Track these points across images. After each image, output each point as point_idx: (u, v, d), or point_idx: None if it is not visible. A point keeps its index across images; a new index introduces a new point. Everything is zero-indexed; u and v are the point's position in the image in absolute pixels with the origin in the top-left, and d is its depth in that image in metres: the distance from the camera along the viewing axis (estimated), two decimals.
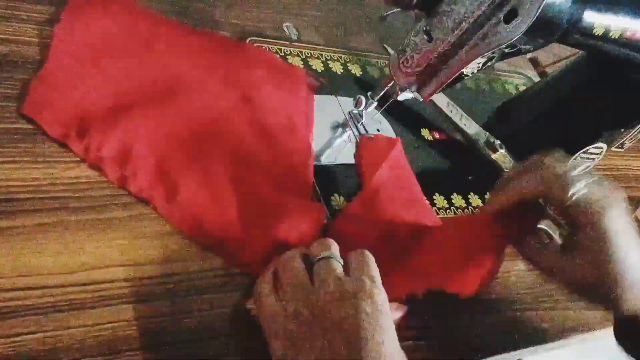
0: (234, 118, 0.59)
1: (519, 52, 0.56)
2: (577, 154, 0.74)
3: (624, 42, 0.60)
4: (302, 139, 0.62)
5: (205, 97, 0.59)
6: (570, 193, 0.47)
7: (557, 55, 0.99)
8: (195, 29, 0.66)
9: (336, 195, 0.61)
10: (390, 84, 0.60)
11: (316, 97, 0.68)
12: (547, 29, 0.54)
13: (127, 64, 0.57)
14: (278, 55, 0.70)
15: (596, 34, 0.58)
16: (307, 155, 0.61)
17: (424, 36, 0.53)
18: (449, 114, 0.75)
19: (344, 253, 0.48)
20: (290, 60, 0.71)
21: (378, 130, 0.69)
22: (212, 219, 0.52)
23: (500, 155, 0.74)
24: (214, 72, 0.62)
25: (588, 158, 0.75)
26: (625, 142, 0.76)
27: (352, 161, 0.64)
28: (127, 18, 0.61)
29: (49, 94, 0.52)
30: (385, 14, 0.54)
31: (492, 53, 0.53)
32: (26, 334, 0.42)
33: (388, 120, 0.71)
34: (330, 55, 0.75)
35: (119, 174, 0.51)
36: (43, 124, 0.50)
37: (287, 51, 0.72)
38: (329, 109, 0.68)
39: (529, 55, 0.99)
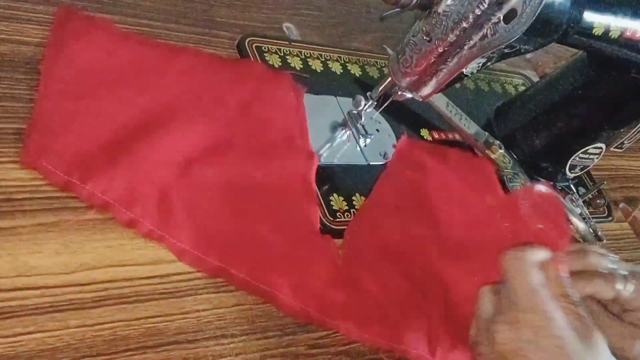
0: (231, 143, 0.58)
1: (519, 52, 0.56)
2: (577, 154, 0.74)
3: (623, 42, 0.60)
4: (300, 151, 0.61)
5: (200, 123, 0.58)
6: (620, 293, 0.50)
7: (556, 56, 0.99)
8: (180, 47, 0.64)
9: (335, 195, 0.61)
10: (390, 84, 0.59)
11: (315, 97, 0.68)
12: (546, 29, 0.54)
13: (117, 95, 0.55)
14: (277, 56, 0.70)
15: (596, 34, 0.58)
16: (309, 172, 0.60)
17: (424, 36, 0.53)
18: (449, 114, 0.75)
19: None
20: (289, 61, 0.71)
21: (377, 130, 0.69)
22: (221, 257, 0.51)
23: (500, 155, 0.74)
24: (205, 94, 0.60)
25: (587, 158, 0.76)
26: (625, 142, 0.76)
27: (351, 161, 0.65)
28: (112, 46, 0.59)
29: (45, 140, 0.50)
30: (385, 14, 0.54)
31: (492, 53, 0.53)
32: (26, 334, 0.42)
33: (387, 121, 0.71)
34: (329, 56, 0.75)
35: (127, 217, 0.49)
36: (43, 173, 0.49)
37: (286, 51, 0.72)
38: (328, 109, 0.68)
39: (528, 56, 0.99)
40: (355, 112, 0.63)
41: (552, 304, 0.43)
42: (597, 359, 0.41)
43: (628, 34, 0.59)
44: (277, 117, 0.62)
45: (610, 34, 0.58)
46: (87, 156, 0.50)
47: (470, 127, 0.75)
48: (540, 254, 0.46)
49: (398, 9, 0.51)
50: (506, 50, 0.53)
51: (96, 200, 0.49)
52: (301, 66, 0.71)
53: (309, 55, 0.73)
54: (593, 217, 0.78)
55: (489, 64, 0.56)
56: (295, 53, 0.72)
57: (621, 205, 0.86)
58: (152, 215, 0.50)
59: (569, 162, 0.75)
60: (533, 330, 0.41)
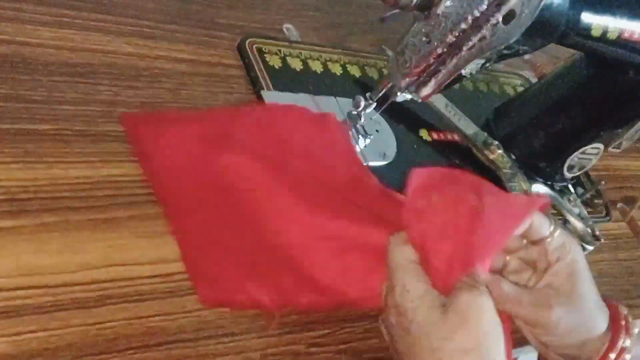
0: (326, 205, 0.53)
1: (517, 53, 0.56)
2: (575, 154, 0.74)
3: (621, 42, 0.60)
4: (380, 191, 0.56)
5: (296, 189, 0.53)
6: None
7: (554, 57, 0.99)
8: (234, 112, 0.60)
9: None
10: (389, 85, 0.60)
11: (315, 98, 0.68)
12: (545, 30, 0.55)
13: (223, 193, 0.52)
14: (278, 57, 0.70)
15: (594, 35, 0.58)
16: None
17: (423, 37, 0.53)
18: (448, 115, 0.76)
19: None
20: (289, 62, 0.71)
21: (377, 131, 0.69)
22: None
23: (499, 156, 0.74)
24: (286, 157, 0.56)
25: (585, 158, 0.76)
26: (623, 142, 0.76)
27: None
28: (189, 143, 0.55)
29: (208, 273, 0.49)
30: (385, 15, 0.54)
31: (491, 54, 0.53)
32: (27, 332, 0.42)
33: (387, 121, 0.71)
34: (329, 57, 0.76)
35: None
36: (227, 305, 0.49)
37: (286, 52, 0.72)
38: (327, 109, 0.68)
39: (526, 56, 0.99)
40: (355, 112, 0.63)
41: (410, 275, 0.42)
42: (464, 322, 0.40)
43: (626, 34, 0.59)
44: (337, 165, 0.58)
45: (608, 35, 0.59)
46: (248, 271, 0.50)
47: (469, 128, 0.76)
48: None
49: (397, 10, 0.52)
50: (505, 51, 0.54)
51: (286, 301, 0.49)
52: (301, 67, 0.72)
53: (309, 56, 0.74)
54: (591, 217, 0.79)
55: (487, 64, 0.56)
56: (295, 54, 0.73)
57: (619, 205, 0.86)
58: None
59: (567, 163, 0.75)
60: (395, 309, 0.42)
